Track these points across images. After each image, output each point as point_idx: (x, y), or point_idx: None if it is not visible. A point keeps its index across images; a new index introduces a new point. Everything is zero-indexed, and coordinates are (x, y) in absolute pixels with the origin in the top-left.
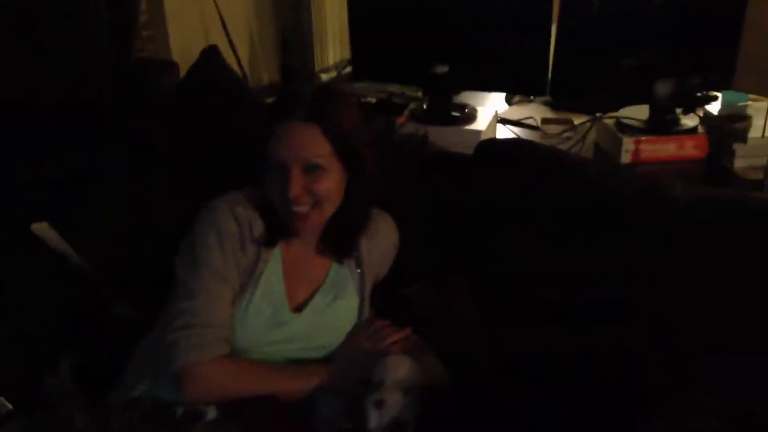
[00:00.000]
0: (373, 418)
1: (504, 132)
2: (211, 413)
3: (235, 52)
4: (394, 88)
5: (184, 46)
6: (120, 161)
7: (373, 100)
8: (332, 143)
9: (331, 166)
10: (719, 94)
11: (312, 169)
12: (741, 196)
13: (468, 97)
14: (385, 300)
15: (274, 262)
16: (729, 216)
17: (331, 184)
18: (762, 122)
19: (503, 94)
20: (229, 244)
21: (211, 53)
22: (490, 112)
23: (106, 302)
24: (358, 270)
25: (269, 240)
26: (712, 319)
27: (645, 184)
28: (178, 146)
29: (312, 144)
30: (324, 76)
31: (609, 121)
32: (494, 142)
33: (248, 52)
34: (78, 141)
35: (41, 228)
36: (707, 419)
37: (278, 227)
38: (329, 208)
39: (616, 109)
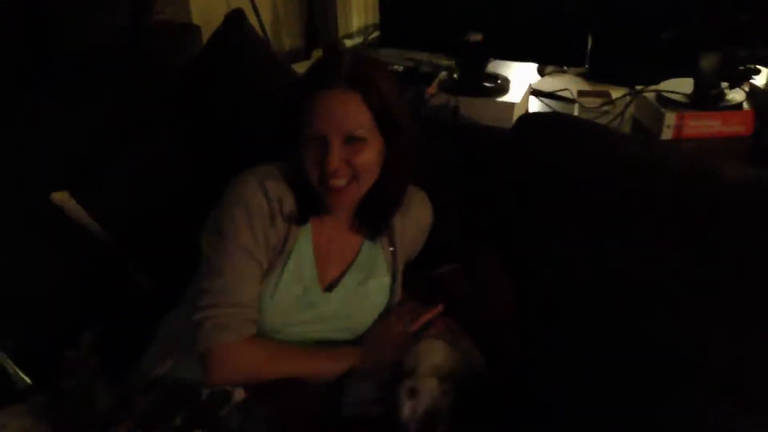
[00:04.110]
0: (407, 408)
1: (537, 105)
2: (239, 395)
3: (258, 15)
4: (422, 56)
5: (205, 9)
6: (142, 131)
7: (400, 69)
8: (373, 113)
9: (372, 138)
10: (767, 69)
11: (353, 141)
12: None
13: (497, 67)
14: (418, 281)
15: (304, 240)
16: None
17: (372, 156)
18: None
19: (534, 65)
20: (258, 220)
21: (237, 17)
22: (524, 83)
23: (128, 275)
24: (391, 248)
25: (300, 217)
26: (752, 306)
27: (693, 163)
28: (203, 116)
29: (353, 114)
30: (348, 42)
31: (649, 95)
32: (536, 116)
33: (271, 16)
34: (94, 110)
35: (61, 197)
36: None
37: (310, 203)
38: (367, 183)
39: (656, 83)
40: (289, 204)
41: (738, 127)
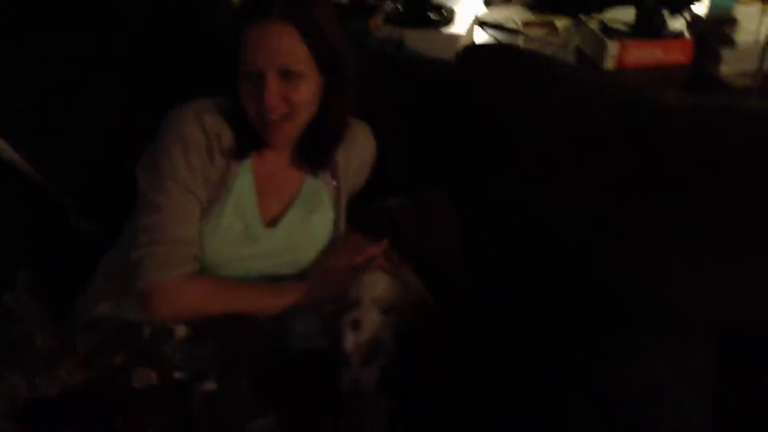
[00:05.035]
0: (349, 339)
1: (483, 36)
2: (181, 331)
3: None
4: None
5: None
6: (75, 67)
7: (345, 1)
8: (310, 46)
9: (309, 72)
10: None
11: (289, 76)
12: (730, 105)
13: None
14: (362, 214)
15: (244, 176)
16: (720, 125)
17: (309, 92)
18: (750, 26)
19: None
20: (195, 154)
21: None
22: (470, 14)
23: (64, 215)
24: (334, 182)
25: (240, 152)
26: (700, 229)
27: (637, 91)
28: (139, 51)
29: (289, 47)
30: None
31: (593, 24)
32: (479, 47)
33: None
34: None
35: None
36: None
37: (249, 138)
38: (304, 118)
39: (600, 11)
40: (228, 139)
41: (679, 55)
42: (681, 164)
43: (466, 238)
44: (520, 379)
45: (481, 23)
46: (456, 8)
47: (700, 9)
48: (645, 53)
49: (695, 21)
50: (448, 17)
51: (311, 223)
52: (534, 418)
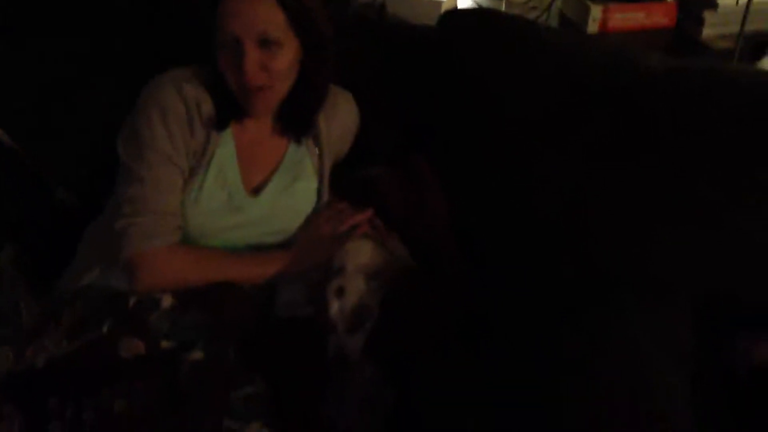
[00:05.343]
0: (334, 306)
1: (466, 1)
2: (167, 301)
3: None
4: None
5: None
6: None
7: None
8: (287, 13)
9: (288, 40)
10: None
11: (268, 44)
12: (714, 67)
13: None
14: (346, 182)
15: (225, 145)
16: (703, 88)
17: (288, 60)
18: None
19: None
20: (176, 124)
21: None
22: None
23: (46, 188)
24: (317, 149)
25: (220, 122)
26: (682, 194)
27: (620, 54)
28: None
29: (266, 15)
30: None
31: None
32: (461, 12)
33: None
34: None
35: None
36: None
37: (230, 107)
38: (285, 86)
39: None
40: (208, 108)
41: (661, 18)
42: (663, 127)
43: (450, 209)
44: (508, 359)
45: None
46: None
47: None
48: (628, 17)
49: None
50: None
51: (295, 191)
52: (523, 394)
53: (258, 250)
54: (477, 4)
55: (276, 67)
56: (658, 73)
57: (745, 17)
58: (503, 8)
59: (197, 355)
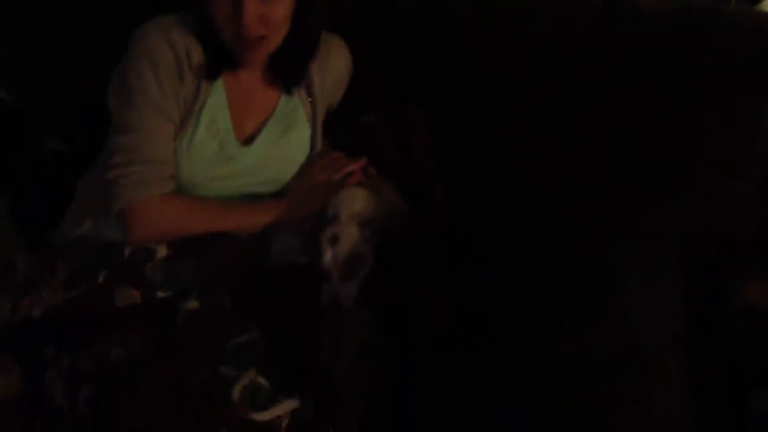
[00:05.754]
0: (328, 254)
1: None
2: (162, 251)
3: None
4: None
5: None
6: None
7: None
8: None
9: None
10: None
11: None
12: (713, 9)
13: None
14: (339, 131)
15: (217, 95)
16: (701, 29)
17: (285, 9)
18: None
19: None
20: (165, 72)
21: None
22: None
23: (40, 138)
24: (310, 98)
25: (211, 72)
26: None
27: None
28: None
29: None
30: None
31: None
32: None
33: None
34: None
35: None
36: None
37: (222, 58)
38: (279, 36)
39: None
40: (198, 56)
41: None
42: (661, 82)
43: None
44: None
45: None
46: None
47: None
48: None
49: None
50: None
51: (288, 140)
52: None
53: (251, 199)
54: None
55: (274, 17)
56: (655, 15)
57: None
58: None
59: (193, 304)
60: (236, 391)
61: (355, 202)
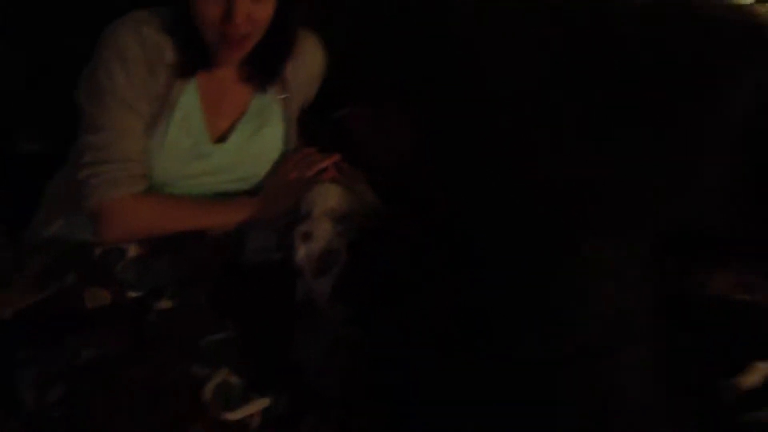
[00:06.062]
0: (301, 251)
1: None
2: (133, 251)
3: None
4: None
5: None
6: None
7: None
8: None
9: None
10: None
11: None
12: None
13: None
14: (314, 126)
15: (190, 92)
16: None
17: (271, 9)
18: None
19: None
20: (135, 69)
21: None
22: None
23: (11, 139)
24: (284, 96)
25: (186, 70)
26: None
27: None
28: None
29: None
30: None
31: None
32: None
33: None
34: None
35: None
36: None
37: (197, 56)
38: (260, 35)
39: None
40: (170, 53)
41: None
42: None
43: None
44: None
45: None
46: None
47: None
48: None
49: None
50: None
51: (261, 137)
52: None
53: (225, 197)
54: None
55: (262, 16)
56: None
57: None
58: None
59: (165, 303)
60: (208, 391)
61: (328, 198)
